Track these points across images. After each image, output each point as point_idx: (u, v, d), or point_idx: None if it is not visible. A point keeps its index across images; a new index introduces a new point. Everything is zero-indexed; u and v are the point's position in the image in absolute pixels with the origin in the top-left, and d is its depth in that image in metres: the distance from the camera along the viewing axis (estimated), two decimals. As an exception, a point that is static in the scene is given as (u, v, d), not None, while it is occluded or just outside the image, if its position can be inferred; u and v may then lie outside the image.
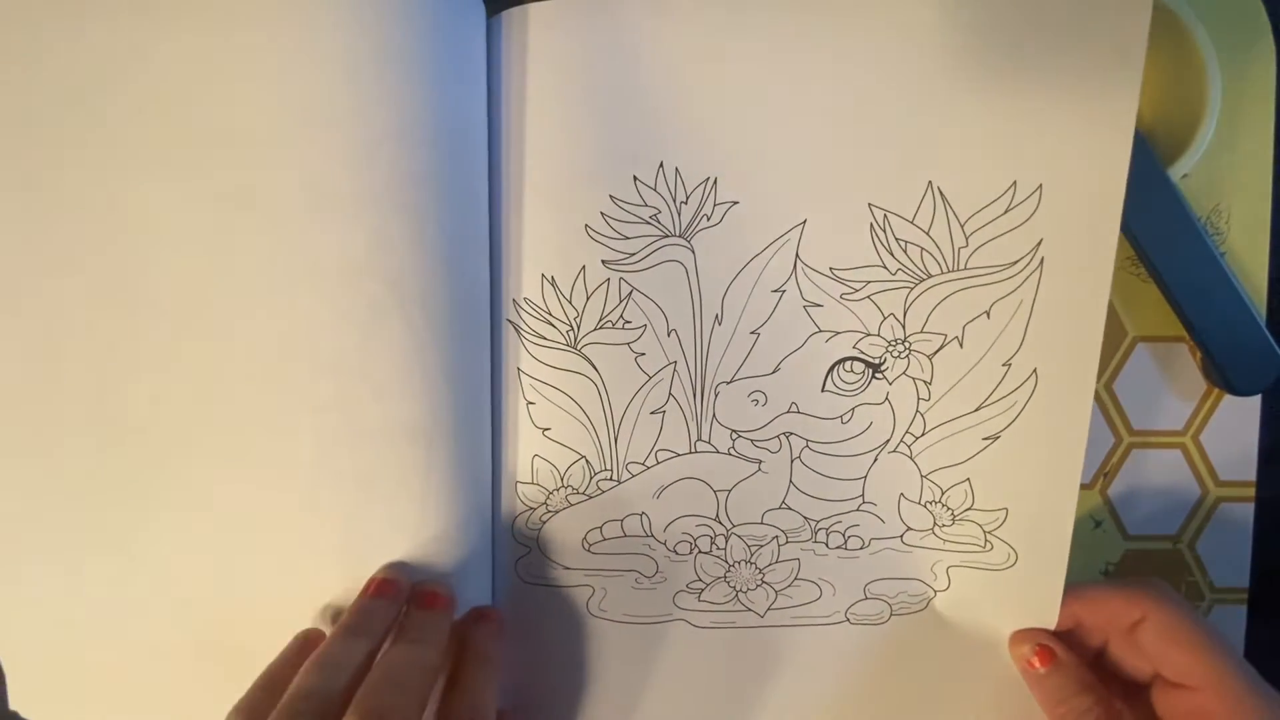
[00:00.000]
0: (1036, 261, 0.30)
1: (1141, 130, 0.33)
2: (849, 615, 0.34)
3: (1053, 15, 0.28)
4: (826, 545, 0.33)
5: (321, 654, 0.26)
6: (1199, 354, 0.35)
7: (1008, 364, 0.31)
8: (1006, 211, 0.30)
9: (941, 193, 0.30)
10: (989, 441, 0.32)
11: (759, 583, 0.33)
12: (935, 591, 0.34)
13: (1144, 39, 0.28)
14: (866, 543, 0.33)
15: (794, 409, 0.32)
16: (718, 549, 0.33)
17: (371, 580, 0.30)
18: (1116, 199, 0.29)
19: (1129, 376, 0.35)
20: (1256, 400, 0.35)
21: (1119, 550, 0.36)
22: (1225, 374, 0.33)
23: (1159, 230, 0.33)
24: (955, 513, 0.33)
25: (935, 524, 0.33)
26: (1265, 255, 0.35)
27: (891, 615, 0.34)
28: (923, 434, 0.32)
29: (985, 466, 0.32)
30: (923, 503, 0.33)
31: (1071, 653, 0.31)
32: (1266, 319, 0.34)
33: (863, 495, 0.33)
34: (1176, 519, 0.36)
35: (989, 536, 0.33)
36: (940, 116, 0.29)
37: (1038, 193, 0.29)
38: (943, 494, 0.33)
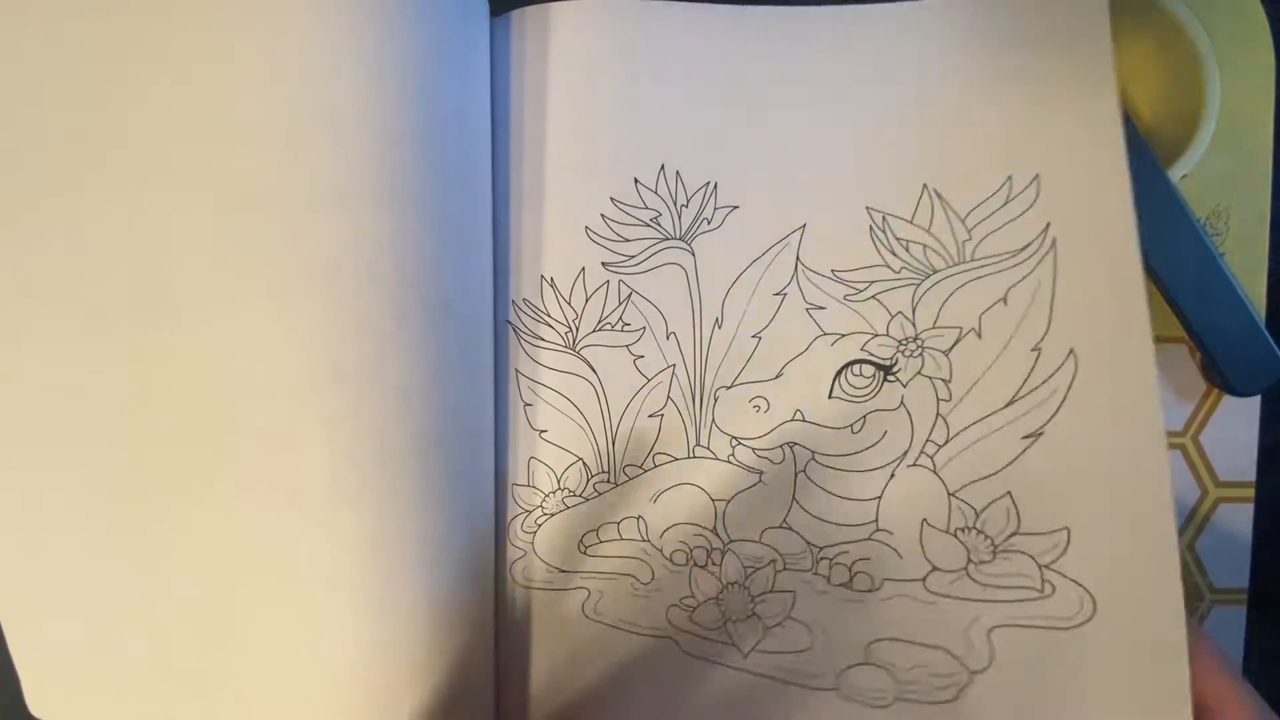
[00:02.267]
0: (1048, 243, 0.28)
1: (1141, 131, 0.33)
2: (839, 682, 0.28)
3: (1018, 12, 0.29)
4: (828, 580, 0.29)
5: None
6: (1199, 354, 0.34)
7: (1037, 349, 0.28)
8: (1006, 203, 0.29)
9: (937, 194, 0.30)
10: (1030, 440, 0.27)
11: (749, 612, 0.31)
12: (971, 673, 0.26)
13: (1105, 9, 0.28)
14: (877, 584, 0.28)
15: (799, 417, 0.31)
16: (713, 564, 0.32)
17: None
18: (1119, 172, 0.27)
19: (1129, 377, 0.35)
20: (1256, 400, 0.35)
21: (1119, 551, 0.35)
22: (1225, 374, 0.33)
23: (1159, 231, 0.33)
24: (996, 542, 0.27)
25: (970, 560, 0.27)
26: (1265, 255, 0.34)
27: (897, 700, 0.27)
28: (947, 440, 0.28)
29: (1030, 472, 0.26)
30: (952, 530, 0.27)
31: None
32: (1266, 319, 0.34)
33: (876, 521, 0.29)
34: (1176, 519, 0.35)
35: (1046, 573, 0.26)
36: (931, 122, 0.30)
37: (1035, 182, 0.29)
38: (978, 517, 0.27)
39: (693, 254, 0.32)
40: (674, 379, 0.32)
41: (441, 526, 0.30)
